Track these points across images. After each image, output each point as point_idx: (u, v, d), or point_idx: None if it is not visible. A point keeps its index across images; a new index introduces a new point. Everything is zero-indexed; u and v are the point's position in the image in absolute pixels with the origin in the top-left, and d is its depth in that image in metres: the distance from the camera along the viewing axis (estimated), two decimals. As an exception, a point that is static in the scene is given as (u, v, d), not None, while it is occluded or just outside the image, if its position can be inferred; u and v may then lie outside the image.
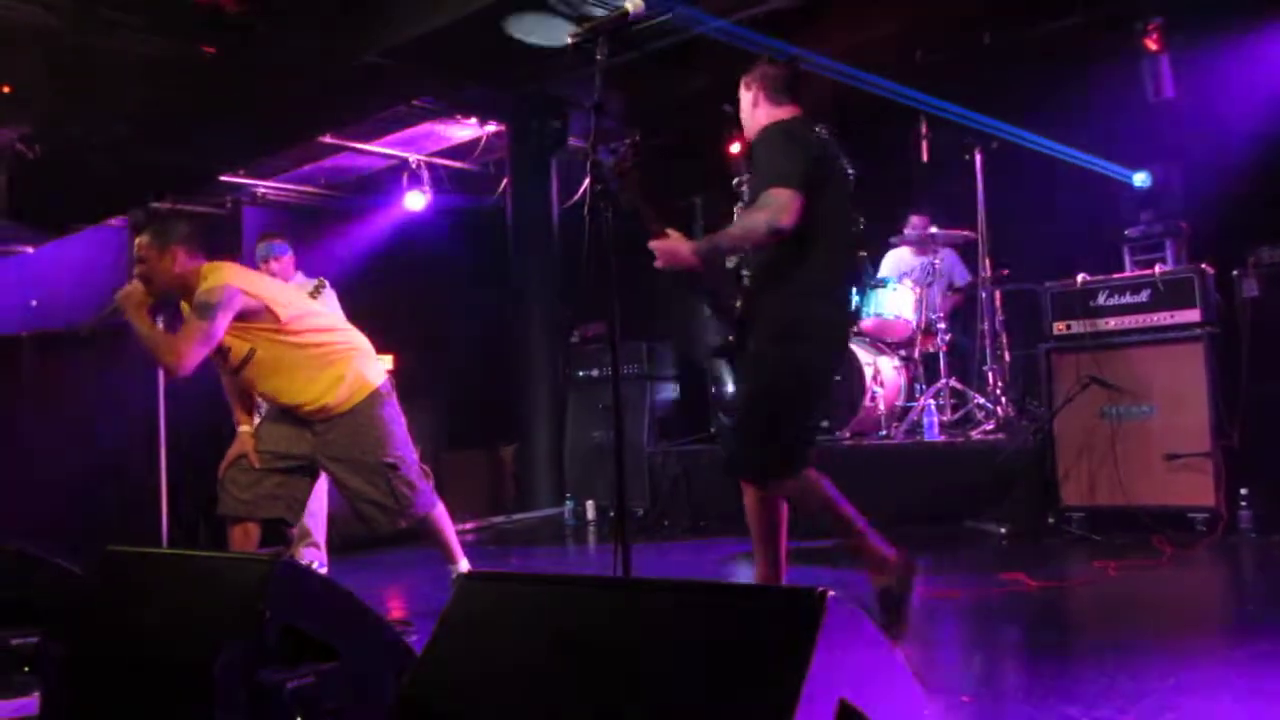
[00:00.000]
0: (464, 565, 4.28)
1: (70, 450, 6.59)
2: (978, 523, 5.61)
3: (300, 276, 5.74)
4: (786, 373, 3.43)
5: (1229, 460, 5.17)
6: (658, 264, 3.45)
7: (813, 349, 3.48)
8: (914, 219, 6.98)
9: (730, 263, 3.64)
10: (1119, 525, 5.26)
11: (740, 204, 3.68)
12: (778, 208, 3.24)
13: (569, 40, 3.13)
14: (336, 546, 5.69)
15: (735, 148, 7.89)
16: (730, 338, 3.59)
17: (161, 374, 6.30)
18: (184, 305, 4.09)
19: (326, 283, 5.63)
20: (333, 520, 5.64)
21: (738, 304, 3.55)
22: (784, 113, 3.56)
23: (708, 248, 3.46)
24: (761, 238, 3.31)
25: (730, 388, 5.40)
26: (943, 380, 6.49)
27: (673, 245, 3.41)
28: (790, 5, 6.30)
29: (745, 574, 4.93)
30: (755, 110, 3.61)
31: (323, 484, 5.50)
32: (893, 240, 7.00)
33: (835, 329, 3.62)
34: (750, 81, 3.64)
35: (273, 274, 5.66)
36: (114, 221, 8.92)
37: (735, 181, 3.77)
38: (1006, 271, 6.53)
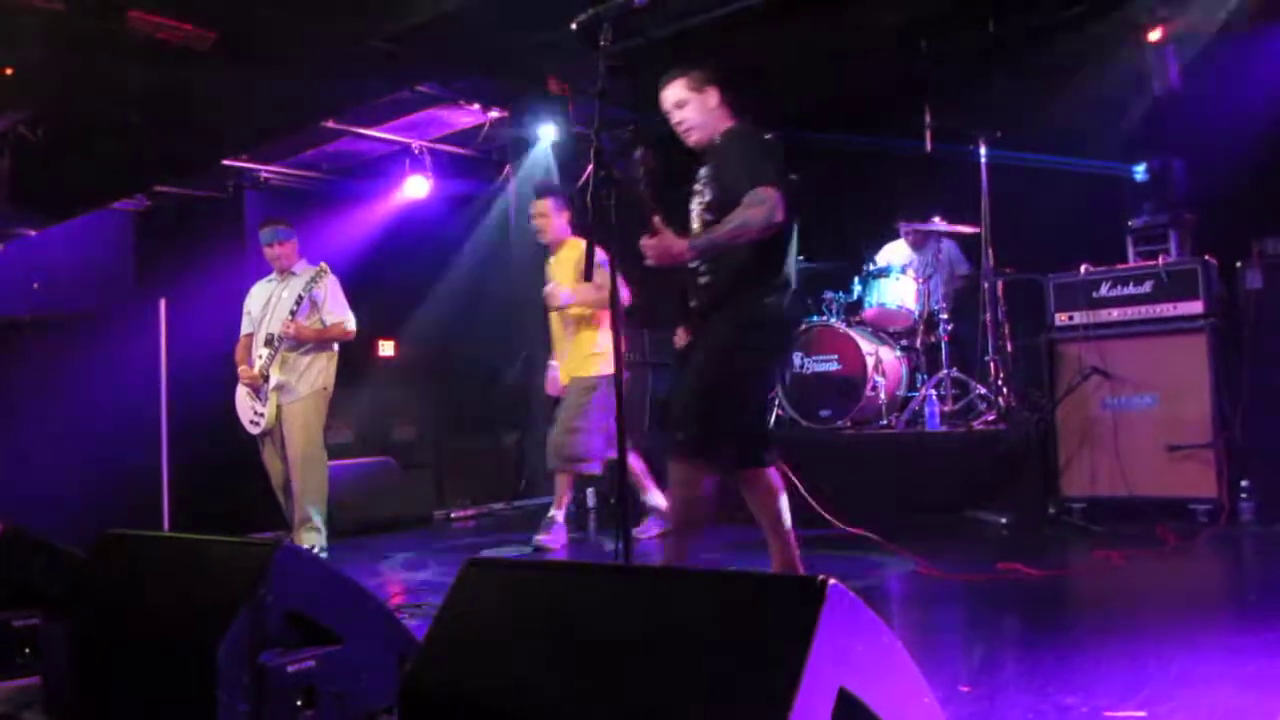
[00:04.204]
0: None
1: (71, 432, 6.60)
2: (979, 513, 5.61)
3: (304, 263, 5.73)
4: (745, 364, 3.53)
5: (1231, 451, 5.17)
6: (650, 261, 3.47)
7: (771, 345, 3.64)
8: (937, 219, 6.92)
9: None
10: (1120, 516, 5.26)
11: (698, 201, 3.68)
12: (771, 204, 3.32)
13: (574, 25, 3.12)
14: (337, 532, 5.70)
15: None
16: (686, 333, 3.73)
17: (164, 357, 6.34)
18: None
19: (328, 268, 5.62)
20: (334, 506, 5.65)
21: (693, 302, 3.65)
22: (736, 117, 3.65)
23: (705, 244, 3.47)
24: (756, 234, 3.35)
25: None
26: (944, 370, 6.48)
27: (667, 243, 3.43)
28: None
29: (746, 561, 4.93)
30: (716, 109, 3.66)
31: (323, 468, 5.53)
32: (902, 228, 6.99)
33: (791, 329, 3.73)
34: (704, 84, 3.66)
35: (275, 258, 5.68)
36: (117, 205, 8.91)
37: (699, 181, 3.74)
38: (1011, 269, 6.52)
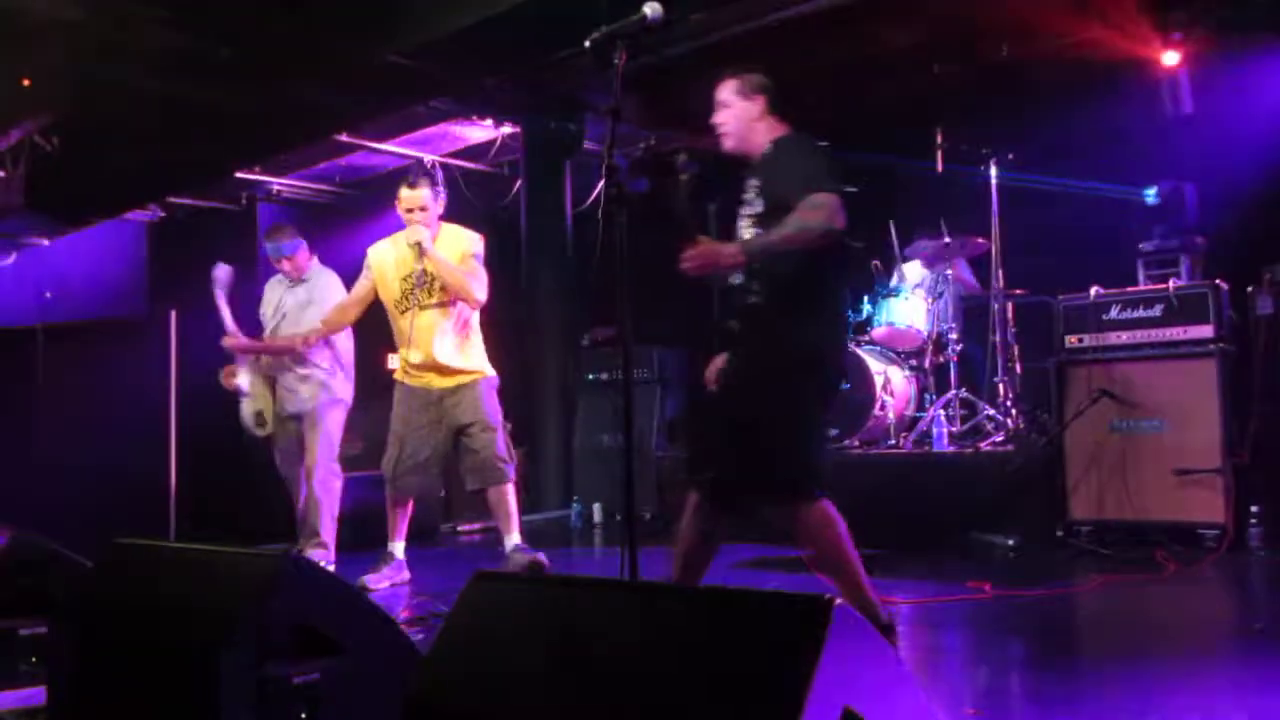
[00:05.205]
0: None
1: (80, 441, 6.62)
2: (985, 534, 5.59)
3: (316, 263, 5.77)
4: (793, 410, 3.32)
5: (1239, 477, 5.15)
6: (691, 269, 3.22)
7: (821, 387, 3.39)
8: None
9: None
10: (1128, 539, 5.25)
11: (747, 213, 3.49)
12: (831, 209, 3.15)
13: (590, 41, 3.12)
14: (344, 545, 5.70)
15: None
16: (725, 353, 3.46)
17: (174, 367, 6.36)
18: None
19: (311, 277, 5.63)
20: (341, 520, 5.66)
21: (734, 324, 3.43)
22: (786, 127, 3.49)
23: (758, 249, 3.27)
24: (815, 240, 3.17)
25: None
26: (953, 391, 6.47)
27: (713, 248, 3.24)
28: (810, 11, 6.29)
29: (751, 580, 4.92)
30: (763, 119, 3.49)
31: (336, 483, 5.54)
32: (906, 251, 6.99)
33: (843, 366, 3.56)
34: (754, 91, 3.49)
35: (285, 273, 5.71)
36: (130, 216, 8.96)
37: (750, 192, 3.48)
38: (1021, 291, 6.52)
